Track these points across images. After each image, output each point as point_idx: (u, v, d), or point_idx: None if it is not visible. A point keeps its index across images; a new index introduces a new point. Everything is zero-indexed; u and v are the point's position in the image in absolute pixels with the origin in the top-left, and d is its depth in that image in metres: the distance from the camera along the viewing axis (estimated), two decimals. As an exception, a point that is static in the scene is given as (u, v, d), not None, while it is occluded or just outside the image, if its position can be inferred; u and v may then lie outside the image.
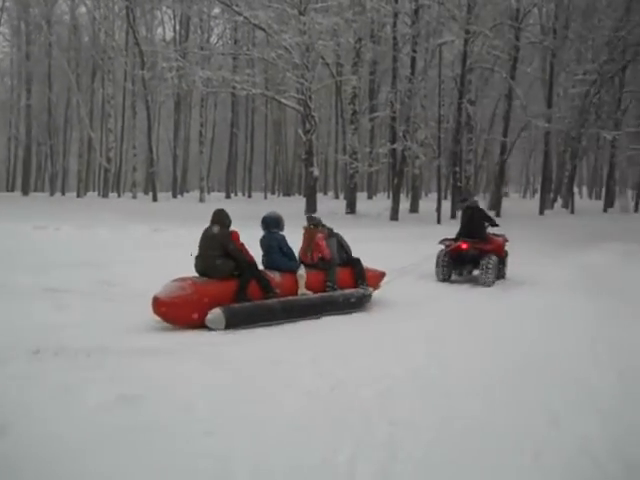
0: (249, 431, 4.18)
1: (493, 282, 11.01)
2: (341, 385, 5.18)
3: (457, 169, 30.84)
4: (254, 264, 7.89)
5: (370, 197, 48.06)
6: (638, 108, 31.20)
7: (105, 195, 41.93)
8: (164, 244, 14.90)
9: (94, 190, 54.71)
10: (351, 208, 28.50)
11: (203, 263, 7.66)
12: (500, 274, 11.53)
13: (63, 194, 47.17)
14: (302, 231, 9.07)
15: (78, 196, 42.79)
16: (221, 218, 7.89)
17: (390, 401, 4.85)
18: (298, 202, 31.64)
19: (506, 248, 11.96)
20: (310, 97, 26.98)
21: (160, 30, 52.71)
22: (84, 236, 16.03)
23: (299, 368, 5.62)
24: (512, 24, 30.64)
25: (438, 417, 4.53)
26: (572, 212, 35.11)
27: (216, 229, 7.79)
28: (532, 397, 4.99)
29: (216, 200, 41.56)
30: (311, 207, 26.57)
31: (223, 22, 41.12)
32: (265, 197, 51.39)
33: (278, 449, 3.95)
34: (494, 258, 11.13)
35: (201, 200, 38.53)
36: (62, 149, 50.84)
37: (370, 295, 8.70)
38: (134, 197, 40.07)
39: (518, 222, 25.98)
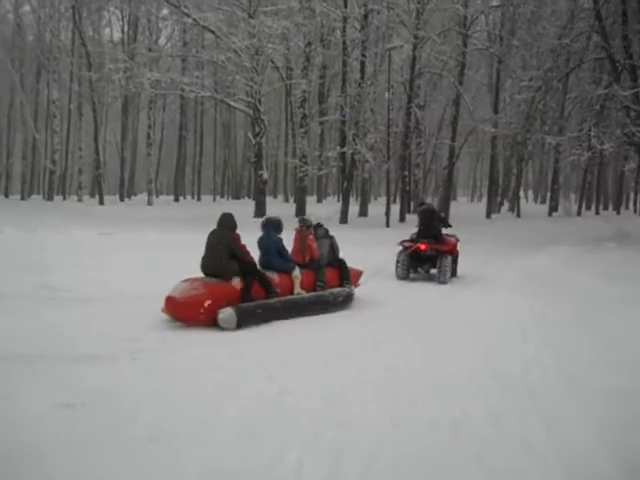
0: (195, 437, 4.13)
1: (449, 280, 11.64)
2: (290, 389, 5.14)
3: (406, 173, 31.16)
4: (255, 265, 8.27)
5: (320, 200, 48.18)
6: (580, 114, 31.95)
7: (50, 198, 41.15)
8: (111, 248, 14.65)
9: (39, 193, 53.59)
10: (301, 211, 28.45)
11: (210, 264, 7.98)
12: (453, 272, 12.16)
13: (7, 197, 46.11)
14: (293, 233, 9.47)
15: (22, 199, 41.87)
16: (227, 222, 8.20)
17: (339, 404, 4.84)
18: (247, 205, 31.50)
19: (458, 248, 12.58)
20: (259, 100, 26.92)
21: (108, 31, 51.91)
22: (28, 240, 15.67)
23: (248, 372, 5.58)
24: (460, 30, 31.03)
25: (386, 420, 4.53)
26: (518, 216, 35.73)
27: (222, 232, 8.13)
28: (478, 400, 5.02)
29: (164, 203, 41.24)
30: (260, 210, 26.48)
31: (172, 24, 40.81)
32: (214, 200, 51.09)
33: (224, 454, 3.90)
34: (449, 258, 11.78)
35: (149, 203, 38.14)
36: (5, 151, 49.64)
37: (354, 293, 9.20)
38: (80, 200, 39.37)
39: (466, 226, 26.27)
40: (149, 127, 41.10)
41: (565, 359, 6.13)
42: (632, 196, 53.63)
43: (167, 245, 15.08)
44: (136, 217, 25.64)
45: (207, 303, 7.33)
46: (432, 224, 12.32)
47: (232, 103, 29.50)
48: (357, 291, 9.44)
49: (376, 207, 34.76)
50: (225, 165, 60.46)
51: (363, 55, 27.36)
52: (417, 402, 4.93)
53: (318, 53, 32.76)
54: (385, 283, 11.16)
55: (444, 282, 11.45)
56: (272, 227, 8.87)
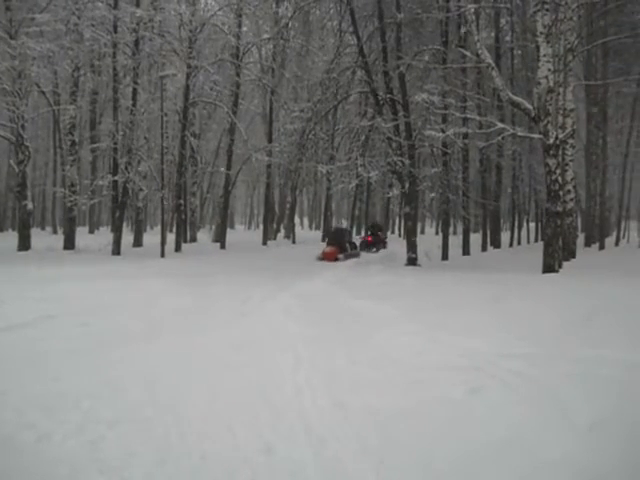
0: None
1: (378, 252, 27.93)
2: (47, 435, 4.73)
3: (182, 201, 30.88)
4: (346, 243, 26.69)
5: (92, 231, 46.40)
6: (348, 144, 33.75)
7: None
8: None
9: None
10: (70, 243, 27.02)
11: (333, 239, 26.42)
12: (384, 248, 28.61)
13: None
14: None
15: None
16: (337, 230, 28.19)
17: (102, 449, 4.52)
18: (11, 238, 29.46)
19: (386, 240, 29.93)
20: (23, 126, 25.31)
21: None
22: None
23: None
24: (232, 61, 31.49)
25: (151, 460, 4.31)
26: (294, 242, 36.78)
27: (340, 231, 28.69)
28: (250, 429, 4.95)
29: None
30: (24, 244, 24.72)
31: None
32: (-27, 234, 46.95)
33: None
34: (381, 244, 28.80)
35: None
36: None
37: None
38: None
39: (243, 252, 26.65)
40: None
41: (334, 381, 6.24)
42: (397, 221, 57.56)
43: None
44: None
45: (337, 254, 24.46)
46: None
47: (-9, 129, 27.46)
48: None
49: (153, 236, 34.05)
50: (-14, 196, 55.96)
51: (135, 82, 26.74)
52: (187, 437, 4.75)
53: (88, 78, 31.62)
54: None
55: (376, 252, 27.46)
56: (343, 232, 27.96)
